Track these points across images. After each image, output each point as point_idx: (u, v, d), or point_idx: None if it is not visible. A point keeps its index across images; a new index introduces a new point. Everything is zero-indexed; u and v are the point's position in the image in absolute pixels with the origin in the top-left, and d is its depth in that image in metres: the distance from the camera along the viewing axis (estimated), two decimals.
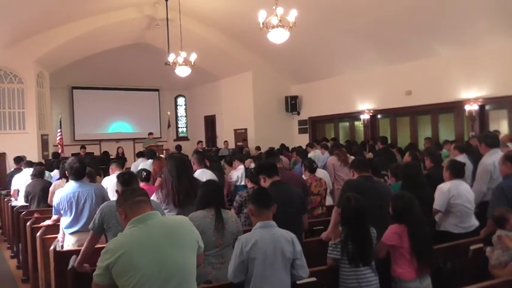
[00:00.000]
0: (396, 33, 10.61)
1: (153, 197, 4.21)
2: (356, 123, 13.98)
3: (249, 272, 2.85)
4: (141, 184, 5.09)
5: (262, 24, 7.31)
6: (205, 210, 3.34)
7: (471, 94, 10.20)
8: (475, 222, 4.42)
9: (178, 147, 11.94)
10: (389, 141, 11.19)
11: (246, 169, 7.31)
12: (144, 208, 2.35)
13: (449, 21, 9.50)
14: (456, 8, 9.11)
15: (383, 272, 3.32)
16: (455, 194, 4.37)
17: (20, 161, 9.09)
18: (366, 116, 13.01)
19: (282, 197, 3.69)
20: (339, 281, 3.25)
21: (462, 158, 5.95)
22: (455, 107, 10.82)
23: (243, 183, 7.13)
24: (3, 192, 9.27)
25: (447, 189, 4.40)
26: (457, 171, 4.54)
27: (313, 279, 3.15)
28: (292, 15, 7.33)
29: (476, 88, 10.11)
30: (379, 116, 13.17)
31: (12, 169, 9.57)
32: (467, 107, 10.29)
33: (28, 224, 5.40)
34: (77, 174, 4.53)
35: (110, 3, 11.61)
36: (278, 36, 7.58)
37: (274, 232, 2.94)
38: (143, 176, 5.41)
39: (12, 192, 7.99)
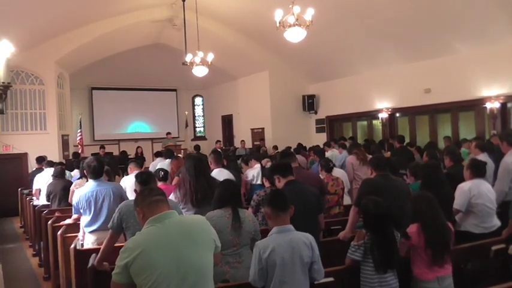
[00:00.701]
0: (415, 31, 10.45)
1: (171, 197, 4.24)
2: (374, 122, 13.84)
3: (268, 277, 2.84)
4: (159, 184, 5.14)
5: (279, 23, 7.29)
6: (222, 210, 3.35)
7: (492, 92, 9.99)
8: (496, 222, 4.33)
9: (197, 147, 12.01)
10: (408, 140, 11.04)
11: (263, 168, 7.31)
12: (161, 207, 2.38)
13: (469, 17, 9.32)
14: (476, 4, 8.94)
15: (403, 272, 3.29)
16: (476, 193, 4.29)
17: (41, 161, 9.26)
18: (384, 115, 12.86)
19: (297, 196, 3.68)
20: (360, 282, 3.22)
21: (483, 156, 5.83)
22: (475, 105, 10.62)
23: (258, 182, 7.14)
24: (26, 191, 9.47)
25: (468, 189, 4.32)
26: (478, 171, 4.46)
27: (331, 279, 3.14)
28: (309, 13, 7.30)
29: (498, 85, 9.90)
30: (397, 115, 13.01)
31: (34, 169, 9.76)
32: (489, 105, 10.08)
33: (49, 222, 5.50)
34: (95, 173, 4.60)
35: (128, 5, 11.73)
36: (295, 35, 7.55)
37: (291, 237, 2.89)
38: (161, 176, 5.45)
39: (34, 192, 8.15)
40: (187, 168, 4.22)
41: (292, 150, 8.60)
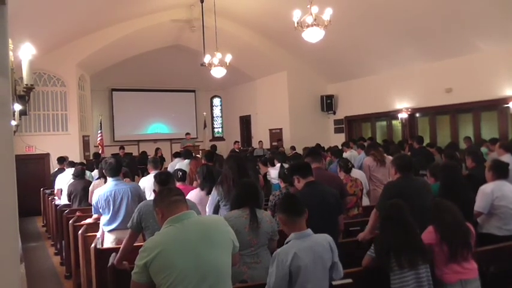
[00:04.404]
0: (435, 29, 10.29)
1: (213, 192, 4.26)
2: (394, 122, 13.67)
3: (291, 284, 2.75)
4: (177, 184, 5.17)
5: (297, 23, 7.27)
6: (240, 210, 3.35)
7: None
8: None
9: (214, 147, 12.05)
10: (428, 141, 10.88)
11: (281, 168, 7.30)
12: (180, 207, 2.39)
13: (491, 15, 9.13)
14: (498, 1, 8.75)
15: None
16: (500, 195, 4.21)
17: (62, 161, 9.42)
18: (404, 115, 12.69)
19: (316, 197, 3.66)
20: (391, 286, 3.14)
21: (507, 157, 5.72)
22: (498, 105, 10.38)
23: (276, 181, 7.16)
24: (48, 191, 9.64)
25: (490, 191, 4.24)
26: (501, 172, 4.37)
27: (349, 280, 3.11)
28: (327, 13, 7.25)
29: None
30: (417, 115, 12.83)
31: (56, 169, 9.93)
32: None
33: (70, 222, 5.58)
34: (113, 170, 4.69)
35: (147, 7, 11.85)
36: (313, 35, 7.50)
37: (311, 242, 2.82)
38: (179, 176, 5.48)
39: (55, 192, 8.30)
40: (230, 166, 4.22)
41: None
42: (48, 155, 12.17)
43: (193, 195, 4.78)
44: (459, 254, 3.11)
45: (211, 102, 20.35)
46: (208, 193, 4.53)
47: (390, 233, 3.19)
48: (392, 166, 4.33)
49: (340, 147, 10.07)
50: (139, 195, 4.67)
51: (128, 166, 7.47)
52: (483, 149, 8.43)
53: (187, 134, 16.10)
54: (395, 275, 3.08)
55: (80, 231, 4.88)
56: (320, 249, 2.81)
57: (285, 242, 2.87)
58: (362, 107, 14.03)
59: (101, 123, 15.78)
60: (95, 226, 5.03)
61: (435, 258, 3.22)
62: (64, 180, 7.84)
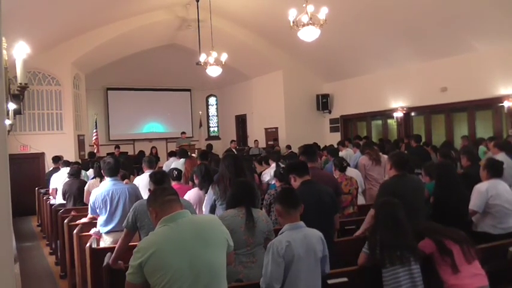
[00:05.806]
0: (430, 29, 10.32)
1: (209, 192, 4.25)
2: (389, 121, 13.71)
3: (284, 274, 2.82)
4: (173, 183, 5.17)
5: (293, 22, 7.27)
6: (236, 209, 3.35)
7: (510, 90, 9.80)
8: None
9: (209, 147, 12.03)
10: (423, 140, 10.93)
11: (278, 167, 7.29)
12: (174, 207, 2.39)
13: (486, 15, 9.16)
14: (493, 1, 8.79)
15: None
16: (494, 194, 4.22)
17: (57, 160, 9.38)
18: (399, 114, 12.74)
19: (312, 196, 3.67)
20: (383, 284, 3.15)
21: (502, 156, 5.75)
22: (493, 104, 10.44)
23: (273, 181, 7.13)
24: (42, 190, 9.60)
25: (485, 190, 4.25)
26: (495, 170, 4.39)
27: (345, 279, 3.12)
28: (323, 12, 7.27)
29: None
30: (413, 114, 12.88)
31: (51, 168, 9.89)
32: (506, 104, 9.90)
33: (65, 221, 5.54)
34: (111, 170, 4.67)
35: (142, 6, 11.81)
36: (309, 35, 7.52)
37: (304, 233, 2.91)
38: (174, 175, 5.48)
39: (50, 191, 8.25)
40: (227, 165, 4.22)
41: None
42: (43, 154, 12.12)
43: (192, 194, 4.77)
44: (467, 254, 3.13)
45: (207, 102, 20.31)
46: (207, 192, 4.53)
47: (382, 230, 3.23)
48: (388, 162, 4.34)
49: (335, 146, 10.09)
50: (136, 196, 4.64)
51: (123, 165, 7.44)
52: (482, 148, 8.45)
53: (183, 133, 16.05)
54: (388, 271, 3.11)
55: (75, 231, 4.86)
56: (313, 241, 2.90)
57: (279, 232, 2.95)
58: (357, 106, 14.06)
59: (96, 123, 15.70)
60: (90, 226, 5.00)
61: (440, 268, 3.20)
62: (59, 180, 7.80)
